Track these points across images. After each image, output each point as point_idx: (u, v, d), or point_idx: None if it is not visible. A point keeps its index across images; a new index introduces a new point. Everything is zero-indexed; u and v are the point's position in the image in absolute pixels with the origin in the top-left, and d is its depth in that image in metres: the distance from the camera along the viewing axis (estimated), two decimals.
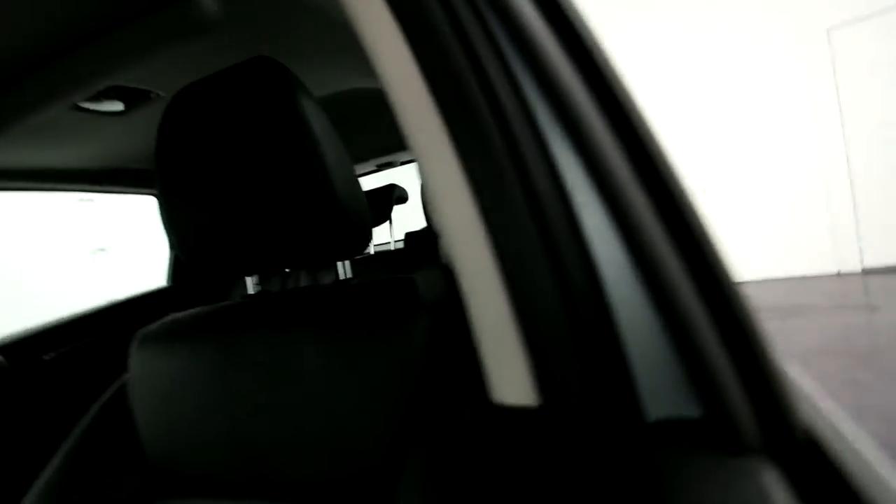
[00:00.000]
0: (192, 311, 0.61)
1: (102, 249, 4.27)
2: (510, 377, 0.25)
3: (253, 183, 0.48)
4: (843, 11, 3.57)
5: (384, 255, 2.02)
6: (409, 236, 1.97)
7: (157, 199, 1.80)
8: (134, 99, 0.95)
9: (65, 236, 4.12)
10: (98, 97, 0.88)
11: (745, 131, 4.02)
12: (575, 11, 0.26)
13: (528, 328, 0.24)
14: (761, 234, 4.02)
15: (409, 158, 2.30)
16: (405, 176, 2.22)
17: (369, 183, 2.12)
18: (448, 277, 0.37)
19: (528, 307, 0.24)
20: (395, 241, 2.29)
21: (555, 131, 0.25)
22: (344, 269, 0.62)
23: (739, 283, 0.21)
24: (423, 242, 1.84)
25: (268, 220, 0.49)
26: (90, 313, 1.52)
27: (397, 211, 2.11)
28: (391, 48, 0.28)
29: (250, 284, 0.66)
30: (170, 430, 0.53)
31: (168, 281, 1.84)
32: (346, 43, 0.89)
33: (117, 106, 0.98)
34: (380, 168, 2.18)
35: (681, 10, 4.14)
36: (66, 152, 1.18)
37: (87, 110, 0.93)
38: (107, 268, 4.26)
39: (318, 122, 0.48)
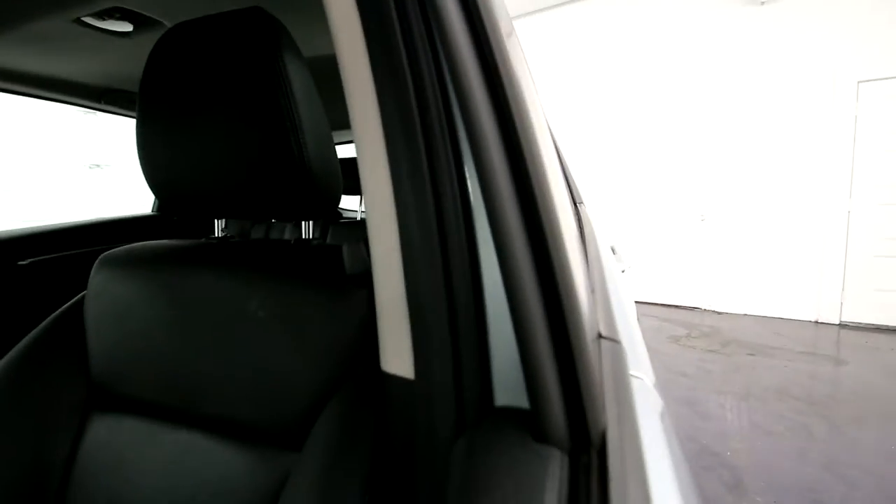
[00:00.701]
0: (155, 241, 0.63)
1: (97, 165, 4.26)
2: (396, 352, 0.27)
3: (227, 130, 0.49)
4: (877, 68, 3.54)
5: (361, 225, 2.03)
6: None
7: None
8: (140, 23, 0.95)
9: (65, 149, 4.10)
10: (101, 15, 0.88)
11: (756, 166, 4.03)
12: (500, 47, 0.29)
13: (416, 314, 0.26)
14: (750, 269, 4.07)
15: None
16: None
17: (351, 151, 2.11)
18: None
19: (418, 296, 0.27)
20: (363, 213, 2.30)
21: (466, 148, 0.27)
22: (307, 229, 0.64)
23: (579, 314, 0.25)
24: None
25: (237, 168, 0.50)
26: (73, 227, 1.53)
27: None
28: (348, 32, 0.30)
29: (217, 228, 0.68)
30: (115, 350, 0.56)
31: (154, 209, 1.85)
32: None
33: (124, 27, 0.97)
34: None
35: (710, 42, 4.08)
36: (68, 65, 1.18)
37: (90, 26, 0.92)
38: (102, 183, 4.25)
39: (300, 82, 0.49)
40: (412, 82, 0.29)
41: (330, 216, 0.57)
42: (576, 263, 0.29)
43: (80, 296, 0.62)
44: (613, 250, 1.37)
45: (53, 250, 1.43)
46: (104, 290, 0.58)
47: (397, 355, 0.27)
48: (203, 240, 0.64)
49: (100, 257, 0.63)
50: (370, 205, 0.29)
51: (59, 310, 0.62)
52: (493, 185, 0.25)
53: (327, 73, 0.56)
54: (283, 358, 0.48)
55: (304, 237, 0.64)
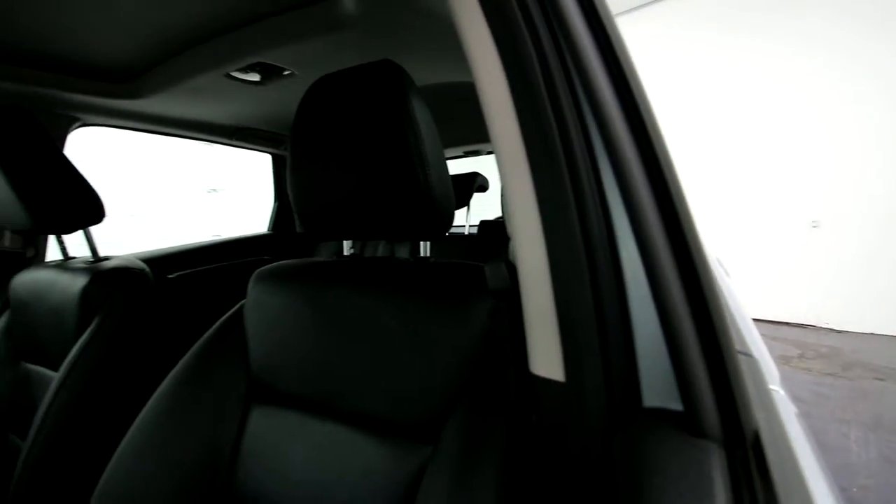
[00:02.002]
0: (299, 259, 0.74)
1: (214, 190, 4.90)
2: (546, 356, 0.32)
3: (363, 164, 0.58)
4: None
5: (459, 238, 2.12)
6: (484, 224, 2.06)
7: (274, 159, 2.04)
8: (270, 73, 1.11)
9: (186, 176, 4.75)
10: (245, 69, 1.05)
11: (881, 162, 3.54)
12: (630, 65, 0.32)
13: (565, 321, 0.31)
14: (877, 281, 3.56)
15: (493, 149, 2.35)
16: (489, 165, 2.28)
17: (454, 168, 2.22)
18: (511, 271, 0.44)
19: (567, 305, 0.31)
20: (470, 227, 2.39)
21: (604, 160, 0.31)
22: (425, 248, 0.71)
23: (725, 314, 0.27)
24: (496, 232, 1.92)
25: (370, 197, 0.59)
26: (208, 245, 1.80)
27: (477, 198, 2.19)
28: (486, 62, 0.35)
29: (346, 247, 0.78)
30: (270, 351, 0.67)
31: (269, 228, 2.10)
32: (449, 43, 0.97)
33: (255, 77, 1.15)
34: (466, 154, 2.27)
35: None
36: (211, 109, 1.40)
37: (234, 78, 1.10)
38: (218, 205, 4.87)
39: (424, 120, 0.57)
40: (549, 100, 0.33)
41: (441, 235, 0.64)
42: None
43: (240, 304, 0.74)
44: (719, 262, 1.31)
45: (193, 265, 1.68)
46: (260, 300, 0.70)
47: (547, 359, 0.32)
48: (335, 258, 0.74)
49: (255, 272, 0.74)
50: (517, 225, 0.34)
51: (225, 316, 0.74)
52: (633, 193, 0.29)
53: (434, 99, 0.63)
54: (413, 362, 0.55)
55: (420, 255, 0.71)
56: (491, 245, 1.83)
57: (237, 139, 1.68)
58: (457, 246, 1.96)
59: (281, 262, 0.73)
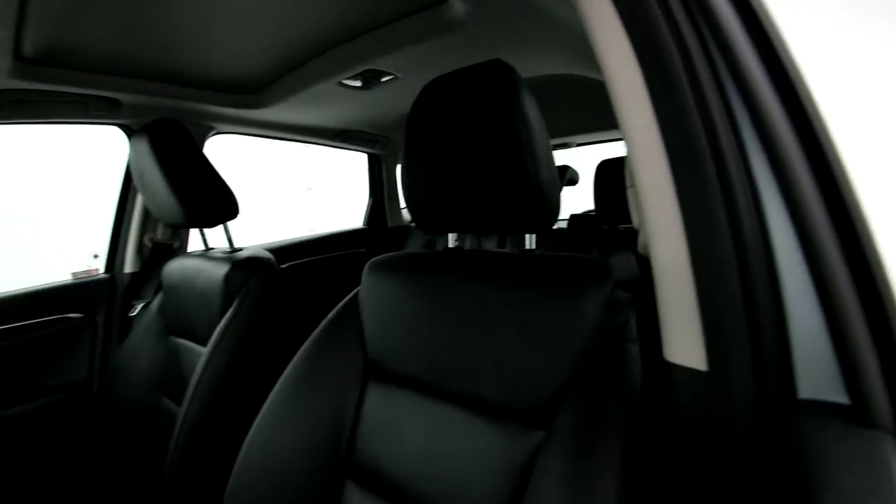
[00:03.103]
0: (409, 251, 0.79)
1: (310, 188, 5.32)
2: (686, 345, 0.32)
3: (475, 160, 0.60)
4: None
5: (549, 233, 2.10)
6: (574, 218, 2.02)
7: (370, 158, 2.17)
8: (375, 78, 1.19)
9: (287, 176, 5.21)
10: (355, 76, 1.14)
11: None
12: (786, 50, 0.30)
13: (709, 311, 0.31)
14: None
15: (583, 141, 2.30)
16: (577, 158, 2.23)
17: None
18: (640, 262, 0.44)
19: (712, 296, 0.31)
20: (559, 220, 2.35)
21: (755, 148, 0.30)
22: (530, 241, 0.73)
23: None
24: (586, 226, 1.87)
25: (481, 191, 0.61)
26: (310, 240, 1.97)
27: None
28: (615, 47, 0.35)
29: (451, 240, 0.82)
30: (384, 334, 0.72)
31: (364, 223, 2.25)
32: (549, 35, 0.97)
33: (359, 83, 1.24)
34: (556, 147, 2.24)
35: None
36: (321, 115, 1.54)
37: (344, 85, 1.20)
38: (313, 202, 5.29)
39: (535, 117, 0.58)
40: (688, 84, 0.32)
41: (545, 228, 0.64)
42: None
43: (354, 291, 0.81)
44: None
45: (299, 257, 1.85)
46: (373, 287, 0.76)
47: (687, 348, 0.32)
48: (442, 250, 0.77)
49: (369, 262, 0.80)
50: (652, 216, 0.35)
51: (343, 301, 0.81)
52: (792, 183, 0.28)
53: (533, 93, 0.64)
54: (523, 351, 0.57)
55: (527, 248, 0.73)
56: (581, 239, 1.79)
57: (340, 140, 1.82)
58: (545, 240, 1.95)
59: (392, 254, 0.79)
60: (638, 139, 0.37)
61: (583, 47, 1.10)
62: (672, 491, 0.38)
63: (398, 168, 2.28)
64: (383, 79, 1.21)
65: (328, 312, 0.79)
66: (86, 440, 1.25)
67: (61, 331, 1.30)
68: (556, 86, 1.36)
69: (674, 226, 0.34)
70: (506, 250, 0.71)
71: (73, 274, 1.36)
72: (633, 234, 1.71)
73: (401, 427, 0.66)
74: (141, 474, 1.11)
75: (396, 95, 1.42)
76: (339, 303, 0.79)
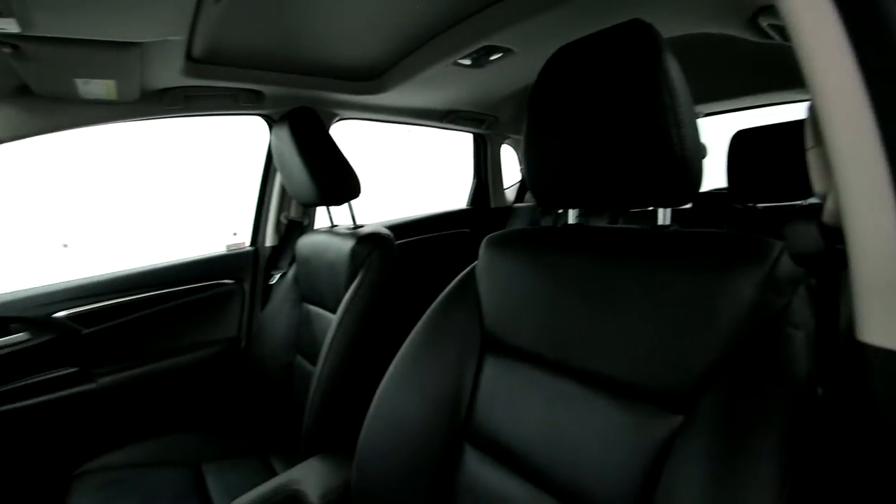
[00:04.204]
0: (526, 228, 0.79)
1: (413, 171, 5.54)
2: (891, 324, 0.28)
3: (607, 131, 0.57)
4: None
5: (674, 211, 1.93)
6: (701, 196, 1.82)
7: (475, 138, 2.19)
8: (489, 55, 1.18)
9: (392, 159, 5.46)
10: (471, 54, 1.14)
11: None
12: None
13: None
14: None
15: (712, 111, 2.06)
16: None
17: None
18: (825, 233, 0.39)
19: None
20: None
21: None
22: (664, 216, 0.68)
23: None
24: (714, 205, 1.68)
25: (612, 163, 0.58)
26: (417, 219, 2.06)
27: None
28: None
29: (572, 216, 0.79)
30: (501, 308, 0.73)
31: (468, 204, 2.29)
32: None
33: (468, 62, 1.24)
34: None
35: None
36: (432, 97, 1.58)
37: (459, 64, 1.21)
38: (415, 185, 5.51)
39: (678, 79, 0.53)
40: None
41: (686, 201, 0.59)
42: None
43: (472, 266, 0.82)
44: None
45: (406, 236, 1.94)
46: (491, 262, 0.76)
47: (893, 327, 0.28)
48: (562, 226, 0.75)
49: (486, 238, 0.81)
50: (851, 185, 0.30)
51: (459, 276, 0.83)
52: None
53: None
54: (658, 331, 0.53)
55: (660, 224, 0.68)
56: (708, 220, 1.62)
57: (447, 121, 1.85)
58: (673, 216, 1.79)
59: (510, 230, 0.79)
60: (832, 91, 0.32)
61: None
62: (855, 493, 0.33)
63: (503, 148, 2.27)
64: (493, 56, 1.19)
65: (436, 288, 0.82)
66: (236, 388, 1.48)
67: (218, 294, 1.53)
68: (688, 47, 1.23)
69: (880, 190, 0.29)
70: (635, 226, 0.67)
71: (227, 246, 1.59)
72: (777, 213, 1.50)
73: (519, 398, 0.66)
74: (280, 421, 1.28)
75: (506, 73, 1.40)
76: (446, 279, 0.82)
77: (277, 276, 1.55)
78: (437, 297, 0.81)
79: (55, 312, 1.26)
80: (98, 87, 1.01)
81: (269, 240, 1.63)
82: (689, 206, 1.79)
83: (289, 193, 1.43)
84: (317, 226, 1.69)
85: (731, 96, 1.89)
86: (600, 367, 0.58)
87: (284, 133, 1.17)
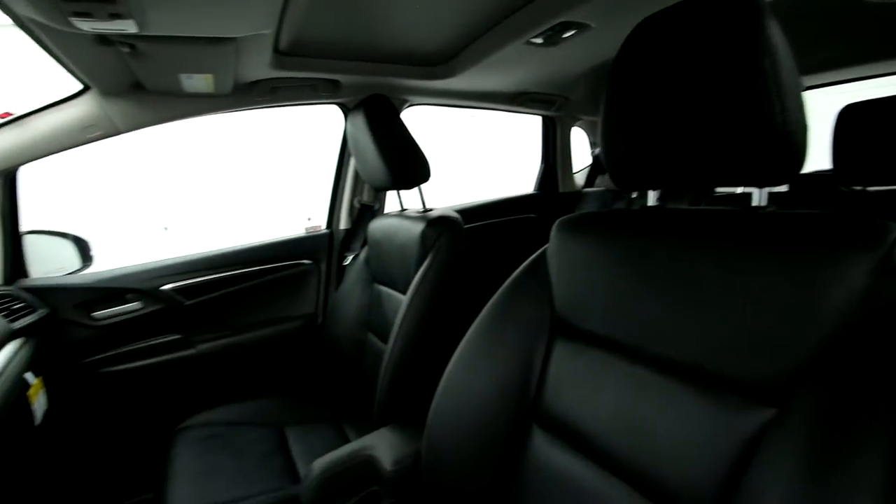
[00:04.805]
0: (602, 211, 0.76)
1: (477, 157, 5.53)
2: None
3: (698, 103, 0.53)
4: None
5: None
6: (801, 178, 1.64)
7: (544, 121, 2.14)
8: (563, 32, 1.14)
9: (456, 147, 5.48)
10: (544, 32, 1.11)
11: None
12: None
13: None
14: None
15: (818, 82, 1.83)
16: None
17: None
18: None
19: None
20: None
21: None
22: (760, 196, 0.62)
23: None
24: (817, 187, 1.52)
25: (702, 139, 0.54)
26: (482, 204, 2.06)
27: None
28: None
29: (652, 198, 0.75)
30: (573, 292, 0.72)
31: (535, 189, 2.25)
32: None
33: (540, 40, 1.20)
34: None
35: None
36: (501, 79, 1.56)
37: (531, 43, 1.18)
38: (480, 172, 5.50)
39: (780, 44, 0.48)
40: None
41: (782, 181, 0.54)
42: None
43: (542, 249, 0.81)
44: None
45: (471, 221, 1.95)
46: (563, 245, 0.75)
47: None
48: (640, 208, 0.72)
49: (557, 221, 0.79)
50: None
51: (529, 259, 0.83)
52: None
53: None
54: (750, 318, 0.50)
55: (754, 205, 0.63)
56: (808, 204, 1.46)
57: (516, 104, 1.82)
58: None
59: (583, 213, 0.77)
60: None
61: None
62: None
63: (573, 130, 2.19)
64: (567, 33, 1.15)
65: (500, 272, 0.82)
66: (314, 360, 1.59)
67: (297, 273, 1.64)
68: (790, 14, 1.10)
69: None
70: (725, 207, 0.63)
71: (306, 229, 1.70)
72: (891, 197, 1.32)
73: (591, 383, 0.65)
74: (353, 393, 1.36)
75: (580, 50, 1.35)
76: (510, 263, 0.82)
77: (350, 258, 1.63)
78: (502, 281, 0.81)
79: (162, 286, 1.42)
80: (199, 82, 1.11)
81: (343, 223, 1.71)
82: (785, 188, 1.64)
83: (362, 178, 1.49)
84: (387, 210, 1.75)
85: (836, 67, 1.68)
86: (682, 356, 0.56)
87: (359, 120, 1.21)
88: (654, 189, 0.70)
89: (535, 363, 0.73)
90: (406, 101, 1.61)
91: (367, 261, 1.45)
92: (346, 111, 1.57)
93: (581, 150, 2.31)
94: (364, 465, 0.87)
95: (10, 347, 1.02)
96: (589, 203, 2.14)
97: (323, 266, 1.68)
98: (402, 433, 0.93)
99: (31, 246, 1.34)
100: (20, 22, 0.79)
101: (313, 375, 1.59)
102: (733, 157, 0.54)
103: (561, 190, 2.22)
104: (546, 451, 0.68)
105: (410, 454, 0.85)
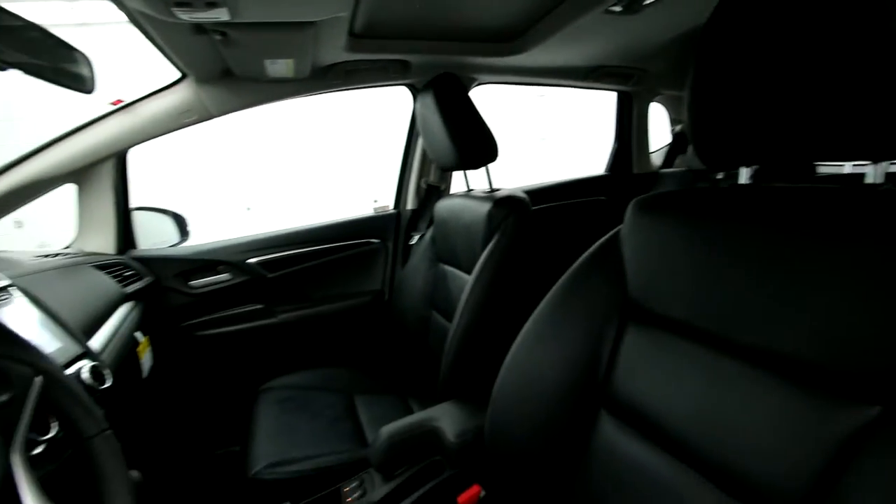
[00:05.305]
0: (682, 189, 0.71)
1: (544, 138, 5.35)
2: None
3: (808, 69, 0.48)
4: None
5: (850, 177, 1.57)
6: None
7: (620, 97, 2.02)
8: None
9: (520, 125, 5.33)
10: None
11: None
12: None
13: None
14: None
15: None
16: None
17: None
18: None
19: None
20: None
21: None
22: (874, 174, 0.55)
23: None
24: None
25: (812, 107, 0.48)
26: (548, 186, 2.01)
27: None
28: None
29: (745, 176, 0.69)
30: (649, 275, 0.68)
31: (606, 170, 2.15)
32: None
33: (619, 7, 1.12)
34: None
35: None
36: (574, 53, 1.49)
37: (611, 12, 1.12)
38: (546, 153, 5.34)
39: None
40: None
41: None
42: None
43: (615, 230, 0.78)
44: None
45: (541, 202, 1.90)
46: (638, 227, 0.71)
47: None
48: (730, 186, 0.66)
49: (634, 201, 0.75)
50: None
51: (601, 240, 0.79)
52: None
53: None
54: (860, 308, 0.45)
55: (869, 181, 0.56)
56: None
57: (590, 79, 1.74)
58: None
59: (663, 192, 0.72)
60: None
61: None
62: None
63: (651, 106, 2.05)
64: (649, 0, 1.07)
65: (565, 255, 0.80)
66: (381, 334, 1.66)
67: (366, 251, 1.71)
68: None
69: None
70: (831, 186, 0.56)
71: (375, 209, 1.76)
72: None
73: (667, 371, 0.62)
74: (418, 367, 1.41)
75: (662, 18, 1.25)
76: (576, 246, 0.79)
77: (417, 238, 1.66)
78: (567, 264, 0.80)
79: (248, 259, 1.55)
80: (281, 67, 1.18)
81: (410, 203, 1.75)
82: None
83: (430, 158, 1.51)
84: (453, 191, 1.76)
85: None
86: (774, 346, 0.52)
87: (429, 99, 1.22)
88: (749, 166, 0.64)
89: (605, 347, 0.71)
90: (475, 79, 1.59)
91: (433, 240, 1.48)
92: (416, 92, 1.59)
93: (658, 128, 2.17)
94: (428, 435, 0.91)
95: (124, 309, 1.17)
96: (666, 185, 2.01)
97: (390, 245, 1.74)
98: (466, 408, 0.95)
99: (139, 221, 1.51)
100: (130, 15, 0.87)
101: (380, 349, 1.66)
102: (849, 127, 0.48)
103: (635, 171, 2.10)
104: (615, 437, 0.66)
105: (472, 428, 0.87)
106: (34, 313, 0.85)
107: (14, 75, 0.73)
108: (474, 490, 0.87)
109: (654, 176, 2.10)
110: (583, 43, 1.40)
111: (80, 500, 0.54)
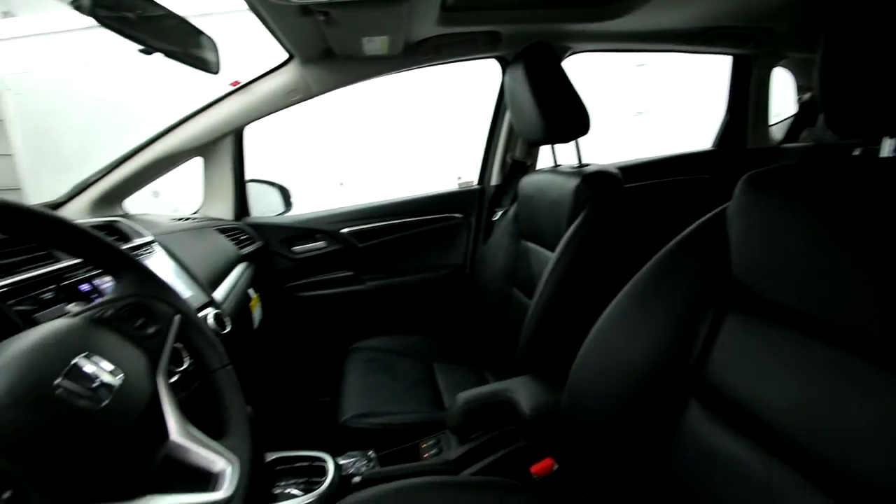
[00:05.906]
0: (803, 164, 0.62)
1: (640, 112, 4.93)
2: None
3: None
4: None
5: None
6: None
7: (735, 61, 1.81)
8: None
9: (613, 98, 4.95)
10: None
11: None
12: None
13: None
14: None
15: None
16: None
17: None
18: None
19: None
20: None
21: None
22: None
23: None
24: None
25: None
26: (646, 162, 1.87)
27: None
28: None
29: (888, 147, 0.60)
30: (760, 259, 0.61)
31: (714, 145, 1.94)
32: None
33: None
34: None
35: None
36: (682, 14, 1.36)
37: None
38: (644, 128, 4.93)
39: None
40: None
41: None
42: None
43: (721, 208, 0.71)
44: None
45: (639, 180, 1.79)
46: (750, 205, 0.64)
47: None
48: (862, 158, 0.58)
49: (746, 176, 0.68)
50: None
51: (702, 219, 0.73)
52: None
53: None
54: None
55: None
56: None
57: (702, 43, 1.57)
58: None
59: (780, 166, 0.64)
60: None
61: None
62: None
63: (774, 71, 1.80)
64: None
65: (661, 237, 0.75)
66: (461, 306, 1.71)
67: (449, 226, 1.75)
68: None
69: None
70: None
71: (459, 185, 1.79)
72: None
73: (772, 362, 0.57)
74: (495, 341, 1.43)
75: None
76: (672, 229, 0.74)
77: (500, 214, 1.66)
78: (659, 246, 0.75)
79: (341, 229, 1.67)
80: (376, 44, 1.22)
81: (495, 179, 1.75)
82: None
83: (516, 132, 1.48)
84: (539, 167, 1.72)
85: None
86: (883, 334, 0.46)
87: (518, 71, 1.19)
88: (894, 136, 0.55)
89: (699, 332, 0.66)
90: (568, 48, 1.52)
91: (516, 217, 1.46)
92: (505, 65, 1.56)
93: (782, 96, 1.90)
94: (504, 405, 0.93)
95: (240, 268, 1.34)
96: (788, 162, 1.76)
97: (473, 220, 1.76)
98: (541, 383, 0.95)
99: (251, 191, 1.69)
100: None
101: (459, 321, 1.71)
102: None
103: (750, 145, 1.86)
104: (705, 427, 0.63)
105: (548, 403, 0.87)
106: (171, 265, 1.00)
107: (157, 58, 0.86)
108: (547, 462, 0.88)
109: (773, 151, 1.85)
110: (693, 1, 1.26)
111: (206, 424, 0.65)
